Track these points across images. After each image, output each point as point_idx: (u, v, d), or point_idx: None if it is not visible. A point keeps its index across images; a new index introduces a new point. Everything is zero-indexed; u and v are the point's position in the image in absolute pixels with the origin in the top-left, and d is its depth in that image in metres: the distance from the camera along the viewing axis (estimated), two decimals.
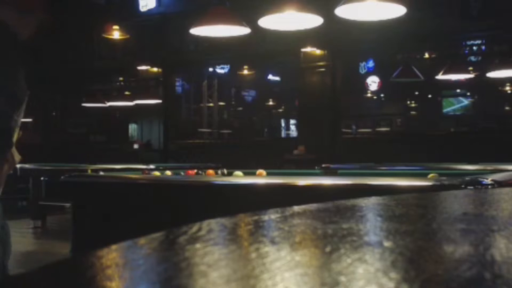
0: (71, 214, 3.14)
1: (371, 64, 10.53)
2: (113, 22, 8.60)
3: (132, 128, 10.88)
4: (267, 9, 4.01)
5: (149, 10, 9.53)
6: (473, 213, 0.78)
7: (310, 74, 8.33)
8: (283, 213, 0.70)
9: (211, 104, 12.24)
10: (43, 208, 6.90)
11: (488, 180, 2.06)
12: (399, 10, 3.71)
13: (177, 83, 10.51)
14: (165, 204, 2.72)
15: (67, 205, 5.10)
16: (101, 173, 4.15)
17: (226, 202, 2.45)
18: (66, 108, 11.73)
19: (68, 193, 3.22)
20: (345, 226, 0.59)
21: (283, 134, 12.96)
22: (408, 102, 12.34)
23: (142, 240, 0.52)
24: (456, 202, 0.96)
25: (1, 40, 2.63)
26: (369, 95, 11.66)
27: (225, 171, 3.85)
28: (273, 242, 0.51)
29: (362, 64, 10.53)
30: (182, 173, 4.17)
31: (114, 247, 0.49)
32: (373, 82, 10.67)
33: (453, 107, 11.80)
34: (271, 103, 13.26)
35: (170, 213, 2.54)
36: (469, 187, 1.99)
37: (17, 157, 2.87)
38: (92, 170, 4.99)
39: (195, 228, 0.57)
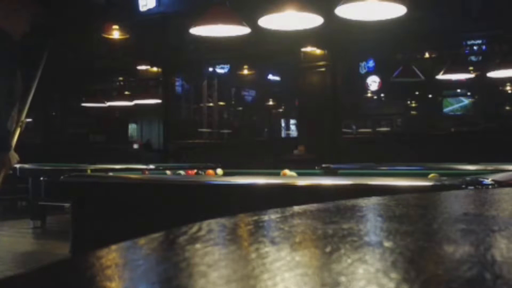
0: (71, 214, 3.14)
1: (371, 64, 10.52)
2: (113, 22, 8.60)
3: (132, 128, 10.88)
4: (267, 9, 4.00)
5: (149, 10, 9.53)
6: (474, 213, 0.78)
7: (310, 74, 8.32)
8: (283, 213, 0.69)
9: (211, 104, 12.23)
10: (43, 208, 6.90)
11: (488, 180, 2.06)
12: (399, 10, 3.70)
13: (177, 83, 10.51)
14: (165, 204, 2.72)
15: (67, 205, 5.09)
16: (110, 173, 4.14)
17: (226, 202, 2.45)
18: (66, 108, 11.73)
19: (68, 193, 3.22)
20: (345, 226, 0.59)
21: (283, 134, 12.95)
22: (409, 102, 12.32)
23: (142, 240, 0.52)
24: (457, 202, 0.96)
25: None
26: (369, 95, 11.65)
27: (221, 170, 3.85)
28: (273, 242, 0.51)
29: (362, 64, 10.52)
30: (182, 173, 4.17)
31: (114, 247, 0.49)
32: (373, 82, 10.66)
33: (453, 107, 11.79)
34: (271, 103, 13.25)
35: (170, 213, 2.54)
36: (469, 187, 1.99)
37: (15, 158, 2.87)
38: (92, 170, 4.99)
39: (195, 228, 0.56)
